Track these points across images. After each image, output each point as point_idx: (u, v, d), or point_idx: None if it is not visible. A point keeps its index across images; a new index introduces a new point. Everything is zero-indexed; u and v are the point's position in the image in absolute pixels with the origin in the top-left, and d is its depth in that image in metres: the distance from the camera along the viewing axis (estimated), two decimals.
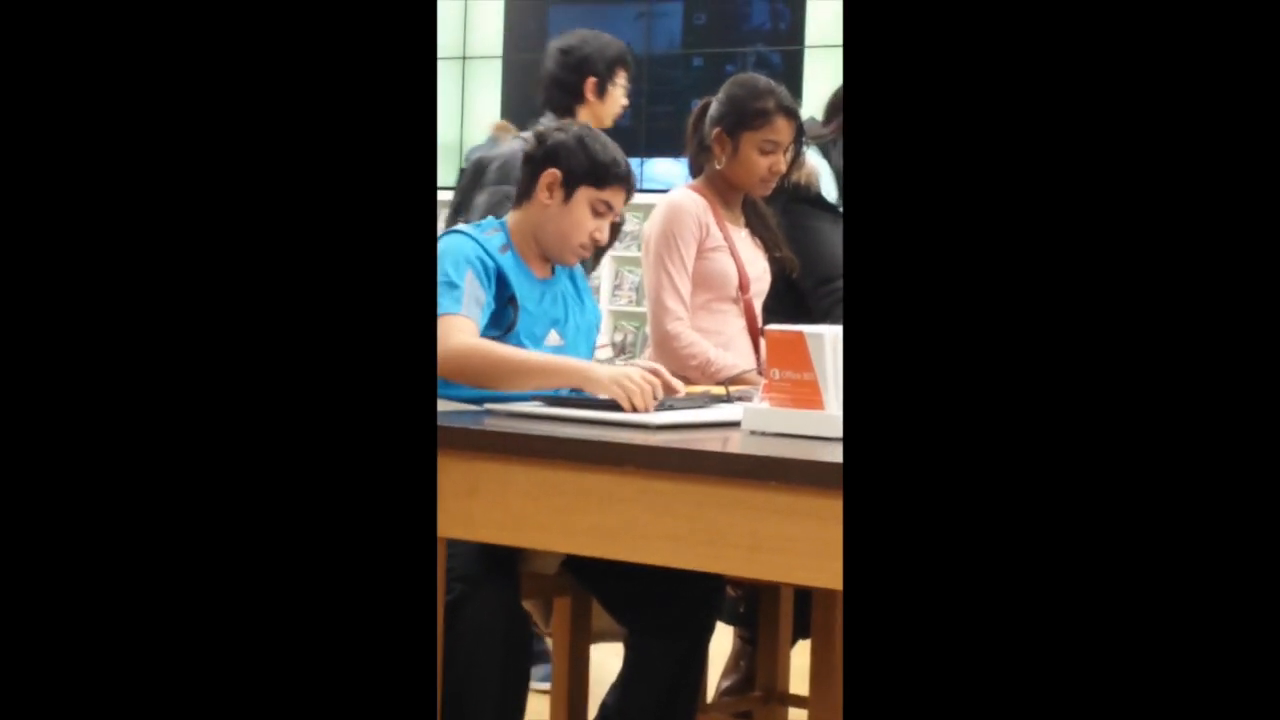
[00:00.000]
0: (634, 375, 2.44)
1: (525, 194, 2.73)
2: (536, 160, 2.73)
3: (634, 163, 8.61)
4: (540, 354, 2.61)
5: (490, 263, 2.63)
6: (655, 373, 2.49)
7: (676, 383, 2.53)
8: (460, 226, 2.73)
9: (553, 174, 2.69)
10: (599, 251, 2.91)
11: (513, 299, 2.64)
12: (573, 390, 2.54)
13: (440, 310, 2.51)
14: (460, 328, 2.52)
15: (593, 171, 2.69)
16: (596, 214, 2.69)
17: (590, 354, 2.82)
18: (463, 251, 2.61)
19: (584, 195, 2.69)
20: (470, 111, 8.90)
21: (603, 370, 2.50)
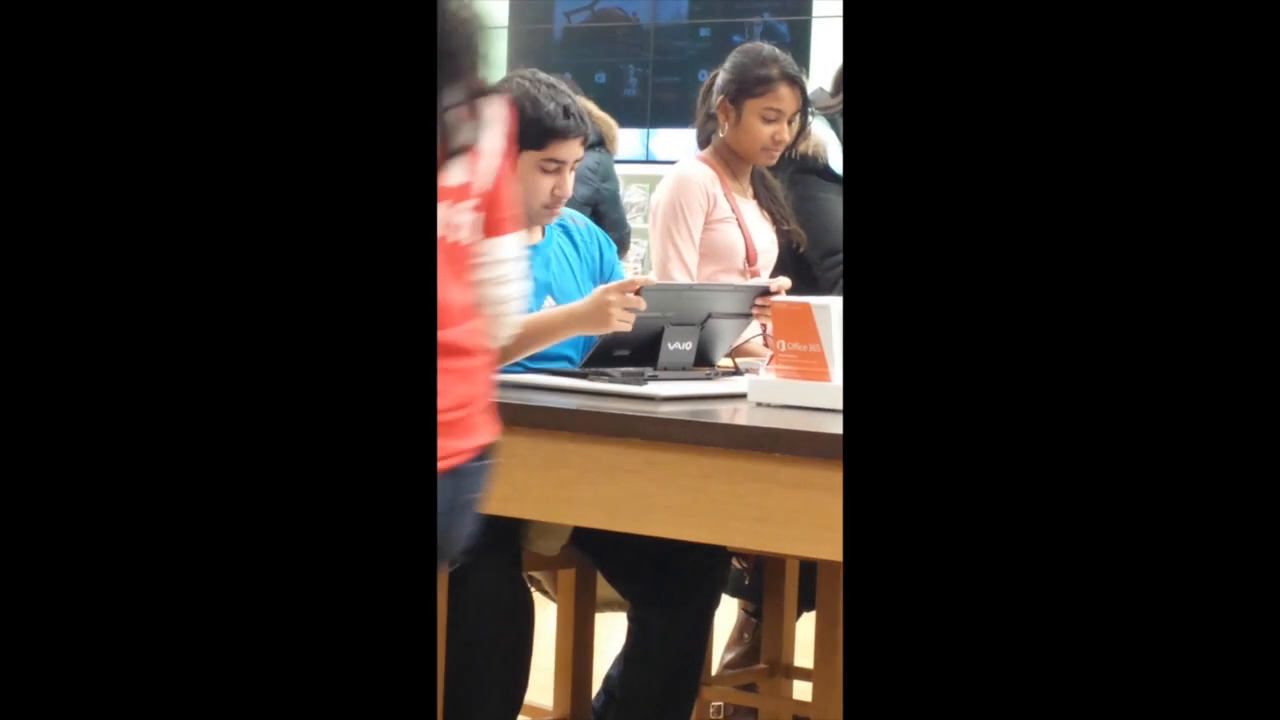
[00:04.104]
0: (612, 299, 2.40)
1: None
2: None
3: (639, 133, 8.56)
4: (523, 318, 2.56)
5: None
6: (626, 286, 2.43)
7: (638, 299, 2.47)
8: None
9: None
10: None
11: None
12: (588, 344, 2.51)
13: None
14: None
15: (525, 135, 2.57)
16: (547, 173, 2.61)
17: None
18: None
19: (527, 160, 2.59)
20: None
21: (586, 308, 2.46)
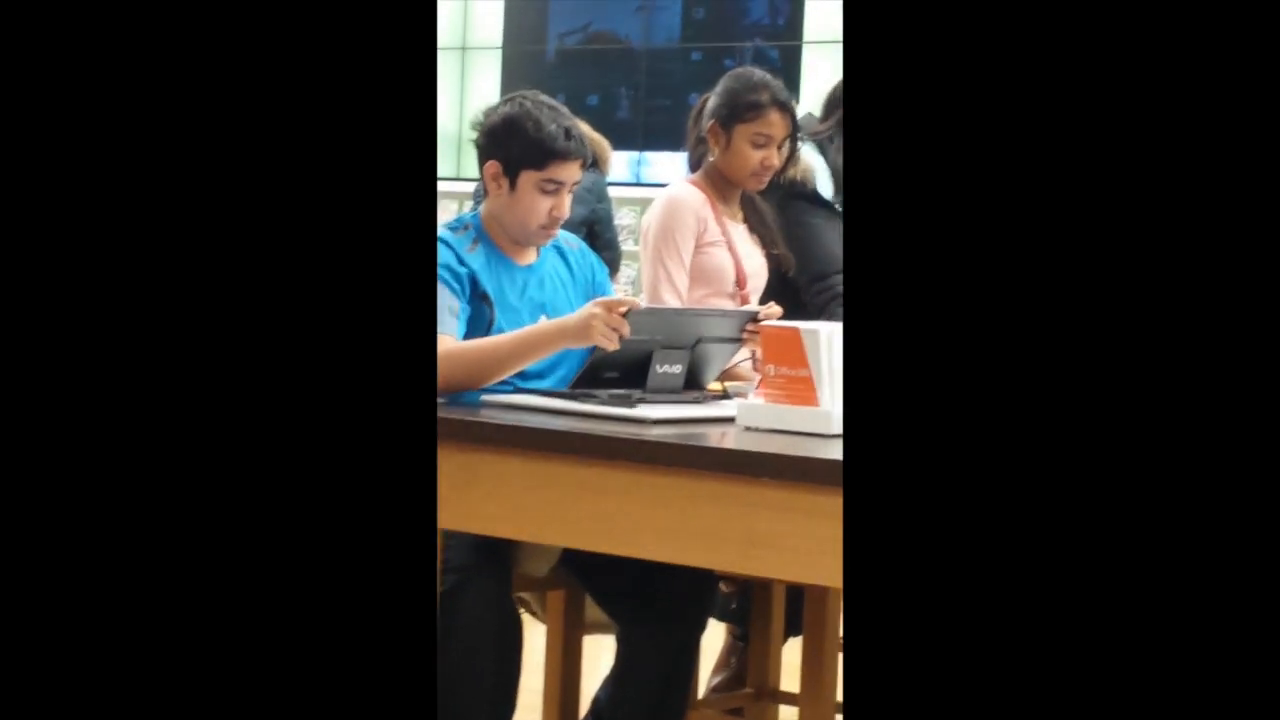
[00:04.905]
0: (597, 314, 2.40)
1: (484, 185, 2.71)
2: (479, 150, 2.69)
3: (631, 157, 8.56)
4: (511, 334, 2.56)
5: (460, 268, 2.60)
6: (614, 304, 2.42)
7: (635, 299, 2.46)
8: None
9: (492, 165, 2.65)
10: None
11: (485, 296, 2.62)
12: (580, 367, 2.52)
13: None
14: (437, 342, 2.51)
15: (526, 155, 2.61)
16: (546, 193, 2.63)
17: None
18: None
19: (527, 180, 2.62)
20: (470, 102, 8.89)
21: (573, 321, 2.46)
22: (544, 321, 2.60)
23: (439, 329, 2.52)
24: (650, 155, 8.40)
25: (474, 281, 2.61)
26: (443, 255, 2.60)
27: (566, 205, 2.65)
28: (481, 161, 2.68)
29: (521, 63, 8.87)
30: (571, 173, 2.64)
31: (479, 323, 2.61)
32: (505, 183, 2.64)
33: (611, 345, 2.38)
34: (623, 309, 2.38)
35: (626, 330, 2.38)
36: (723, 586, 3.12)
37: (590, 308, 2.42)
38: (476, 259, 2.64)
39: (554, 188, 2.63)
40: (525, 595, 2.87)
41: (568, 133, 2.62)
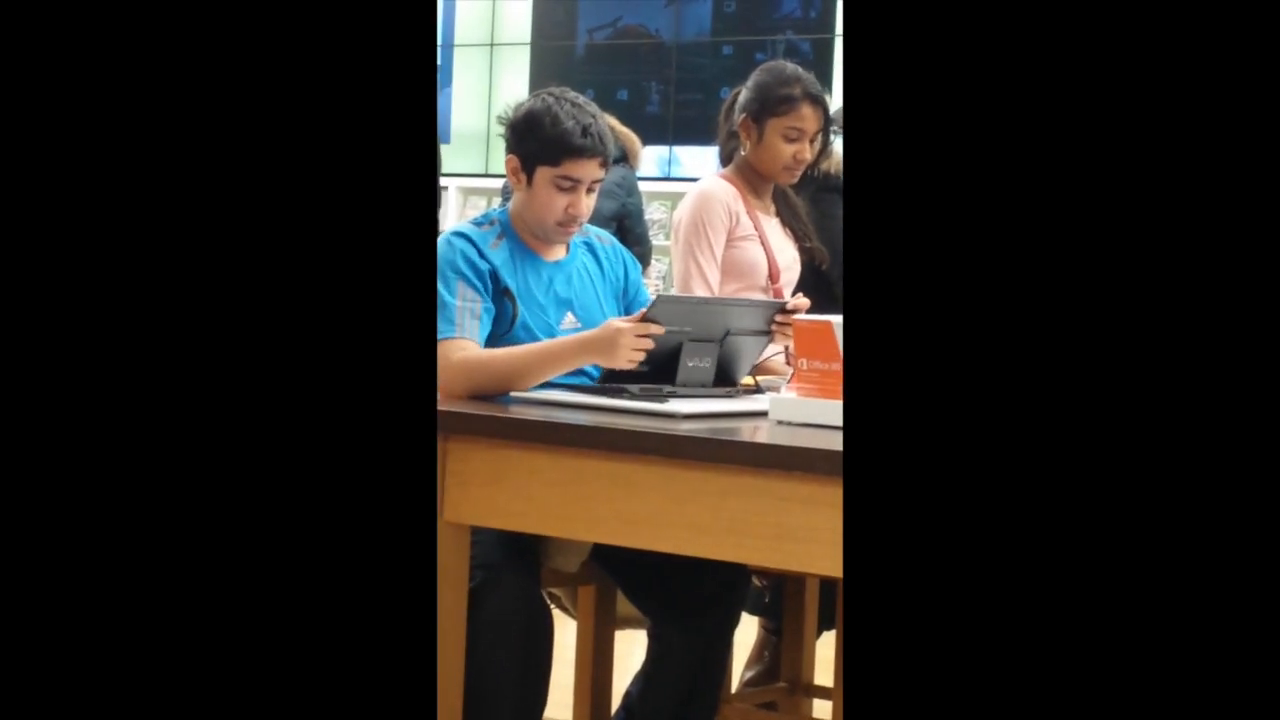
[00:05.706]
0: (614, 339, 2.40)
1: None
2: (506, 145, 2.69)
3: (661, 152, 8.54)
4: (535, 345, 2.56)
5: (482, 263, 2.60)
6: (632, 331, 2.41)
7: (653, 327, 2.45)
8: (458, 225, 2.69)
9: (511, 160, 2.65)
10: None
11: (507, 291, 2.61)
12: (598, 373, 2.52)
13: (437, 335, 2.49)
14: (457, 348, 2.50)
15: (543, 150, 2.61)
16: (562, 190, 2.61)
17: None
18: (452, 260, 2.57)
19: (543, 176, 2.62)
20: (498, 98, 8.91)
21: (593, 337, 2.46)
22: (566, 336, 2.59)
23: (462, 333, 2.52)
24: (681, 150, 8.40)
25: (495, 277, 2.61)
26: (465, 250, 2.59)
27: (584, 203, 2.64)
28: (505, 155, 2.69)
29: (551, 58, 8.87)
30: (588, 170, 2.62)
31: (502, 319, 2.61)
32: (523, 178, 2.64)
33: (632, 364, 2.39)
34: (645, 331, 2.39)
35: (651, 345, 2.38)
36: (755, 580, 3.12)
37: (613, 330, 2.41)
38: (499, 254, 2.63)
39: (569, 184, 2.61)
40: (557, 591, 2.87)
41: (585, 130, 2.60)
